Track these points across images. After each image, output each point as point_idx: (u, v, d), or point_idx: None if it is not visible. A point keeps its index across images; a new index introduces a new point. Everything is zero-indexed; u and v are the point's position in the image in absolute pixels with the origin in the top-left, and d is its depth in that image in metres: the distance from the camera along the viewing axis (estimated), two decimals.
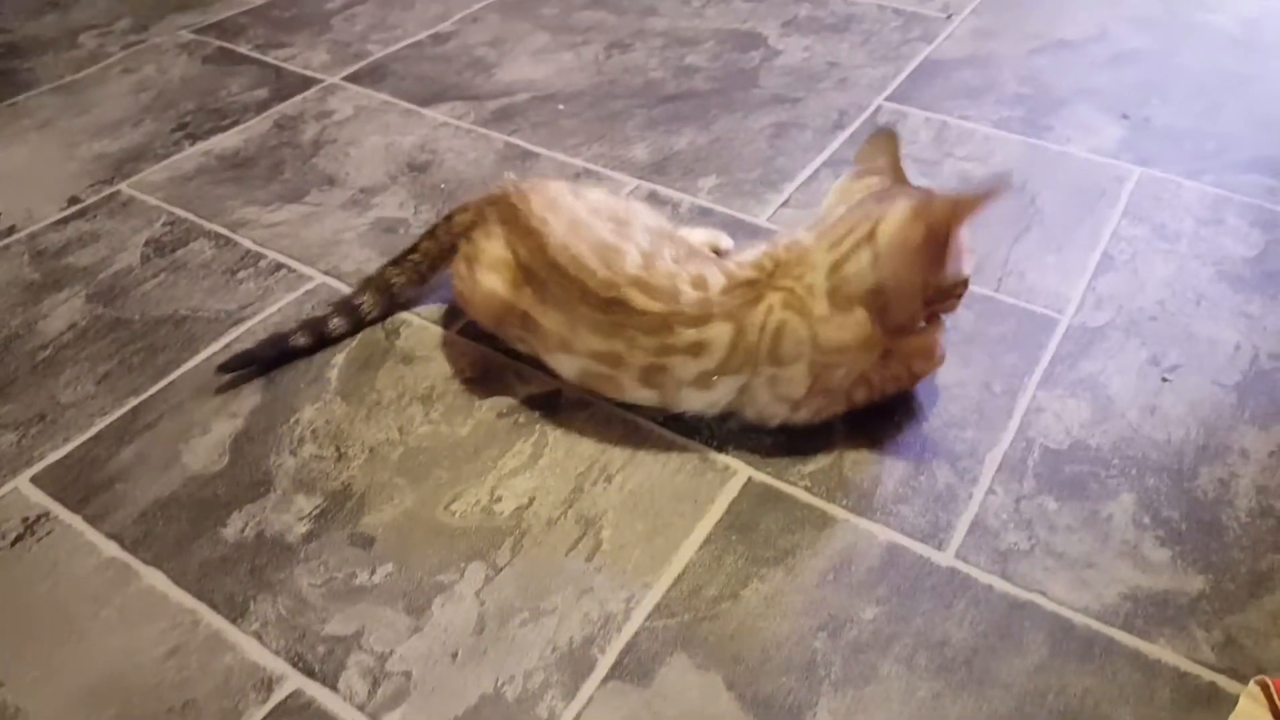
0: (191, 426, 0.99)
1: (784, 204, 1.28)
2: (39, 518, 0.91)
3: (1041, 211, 1.26)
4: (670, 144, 1.40)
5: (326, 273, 1.18)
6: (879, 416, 0.98)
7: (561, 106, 1.50)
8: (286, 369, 1.05)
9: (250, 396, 1.02)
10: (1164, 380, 1.02)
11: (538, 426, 0.99)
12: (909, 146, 1.38)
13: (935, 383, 1.02)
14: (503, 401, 1.02)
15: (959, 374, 1.03)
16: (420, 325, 1.11)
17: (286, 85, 1.56)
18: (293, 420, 1.00)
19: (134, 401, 1.02)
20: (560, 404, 1.01)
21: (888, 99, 1.50)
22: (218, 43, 1.69)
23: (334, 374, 1.05)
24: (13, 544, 0.89)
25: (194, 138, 1.44)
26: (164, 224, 1.27)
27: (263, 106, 1.51)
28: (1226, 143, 1.39)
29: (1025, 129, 1.42)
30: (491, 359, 1.06)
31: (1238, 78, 1.55)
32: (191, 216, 1.28)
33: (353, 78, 1.58)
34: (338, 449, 0.97)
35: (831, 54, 1.62)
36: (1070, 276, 1.16)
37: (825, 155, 1.37)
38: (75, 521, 0.91)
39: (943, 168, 1.34)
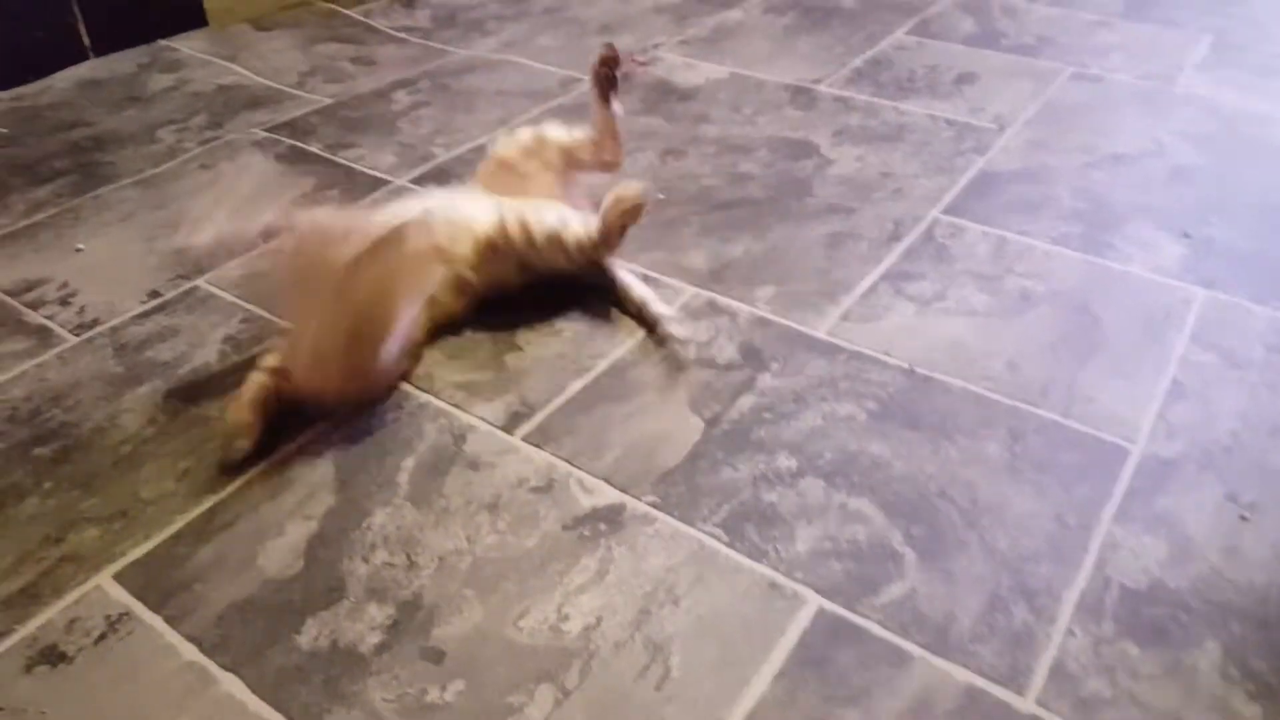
0: (267, 528, 1.01)
1: (843, 317, 1.29)
2: (121, 616, 0.92)
3: (1106, 334, 1.26)
4: (727, 251, 1.43)
5: None
6: (951, 546, 0.98)
7: None
8: (358, 471, 1.07)
9: (324, 498, 1.04)
10: (1242, 519, 1.01)
11: (603, 541, 0.99)
12: (967, 261, 1.39)
13: (1006, 513, 1.02)
14: (568, 513, 1.02)
15: (1031, 504, 1.02)
16: (487, 431, 1.12)
17: (357, 186, 1.61)
18: (364, 524, 1.01)
19: (211, 500, 1.04)
20: (624, 518, 1.01)
21: (943, 211, 1.52)
22: (289, 141, 1.75)
23: (404, 478, 1.06)
24: (96, 642, 0.90)
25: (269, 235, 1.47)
26: (241, 320, 1.30)
27: (336, 206, 1.55)
28: None
29: (1085, 246, 1.43)
30: (554, 467, 1.07)
31: None
32: (267, 314, 1.31)
33: (419, 180, 1.62)
34: (408, 556, 0.98)
35: (884, 164, 1.65)
36: (1139, 404, 1.15)
37: (883, 268, 1.38)
38: (156, 622, 0.92)
39: (1004, 283, 1.35)
